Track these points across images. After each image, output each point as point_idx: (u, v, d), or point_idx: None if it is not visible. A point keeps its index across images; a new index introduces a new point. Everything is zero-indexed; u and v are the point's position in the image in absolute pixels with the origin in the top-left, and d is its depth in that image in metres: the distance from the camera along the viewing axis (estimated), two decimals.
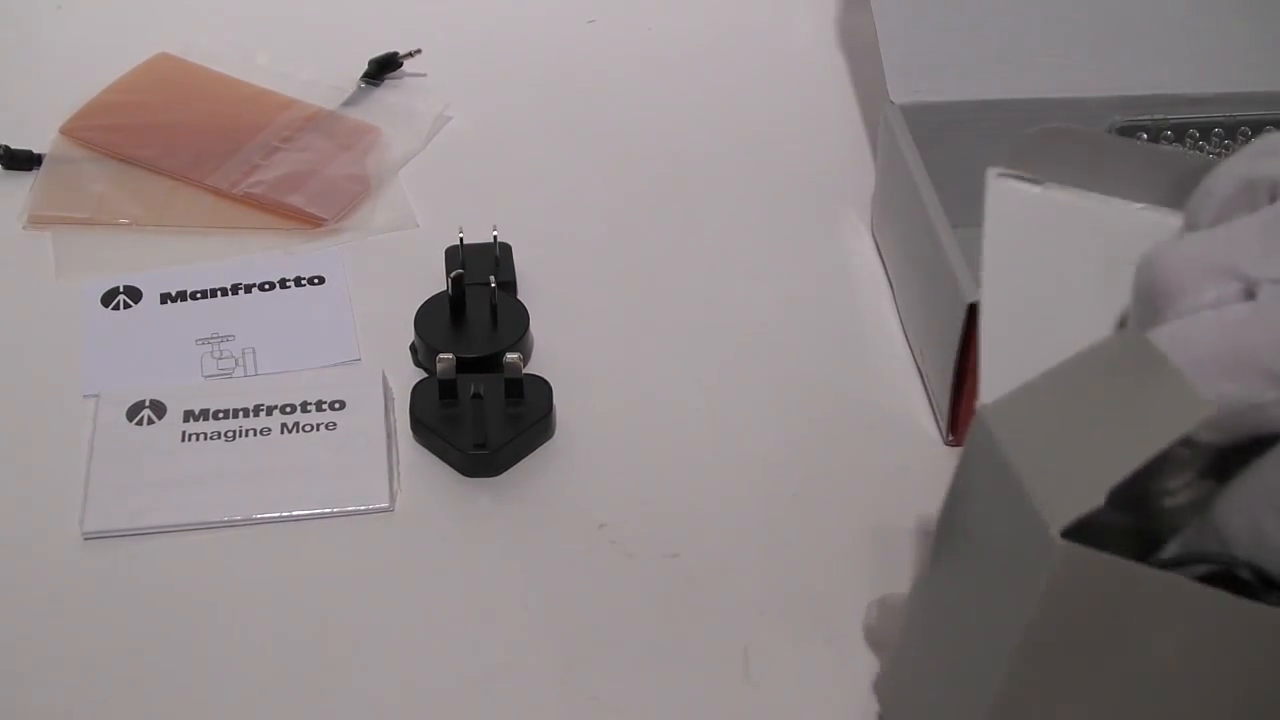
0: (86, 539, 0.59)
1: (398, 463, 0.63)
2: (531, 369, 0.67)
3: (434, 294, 0.68)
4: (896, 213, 0.69)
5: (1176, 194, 0.45)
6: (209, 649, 0.56)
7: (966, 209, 0.67)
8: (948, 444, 0.63)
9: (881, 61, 0.70)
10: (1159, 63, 0.69)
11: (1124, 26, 0.71)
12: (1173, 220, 0.46)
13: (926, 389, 0.66)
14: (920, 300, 0.66)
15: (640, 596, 0.58)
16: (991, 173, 0.48)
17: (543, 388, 0.64)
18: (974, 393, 0.60)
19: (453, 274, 0.66)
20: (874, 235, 0.74)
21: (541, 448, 0.64)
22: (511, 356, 0.63)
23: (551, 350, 0.68)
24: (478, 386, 0.62)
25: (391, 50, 0.85)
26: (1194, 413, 0.36)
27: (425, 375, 0.66)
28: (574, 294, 0.71)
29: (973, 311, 0.59)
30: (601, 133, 0.82)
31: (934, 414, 0.65)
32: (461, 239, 0.70)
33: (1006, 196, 0.48)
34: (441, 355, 0.63)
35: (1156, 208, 0.47)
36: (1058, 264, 0.47)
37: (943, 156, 0.66)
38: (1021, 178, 0.48)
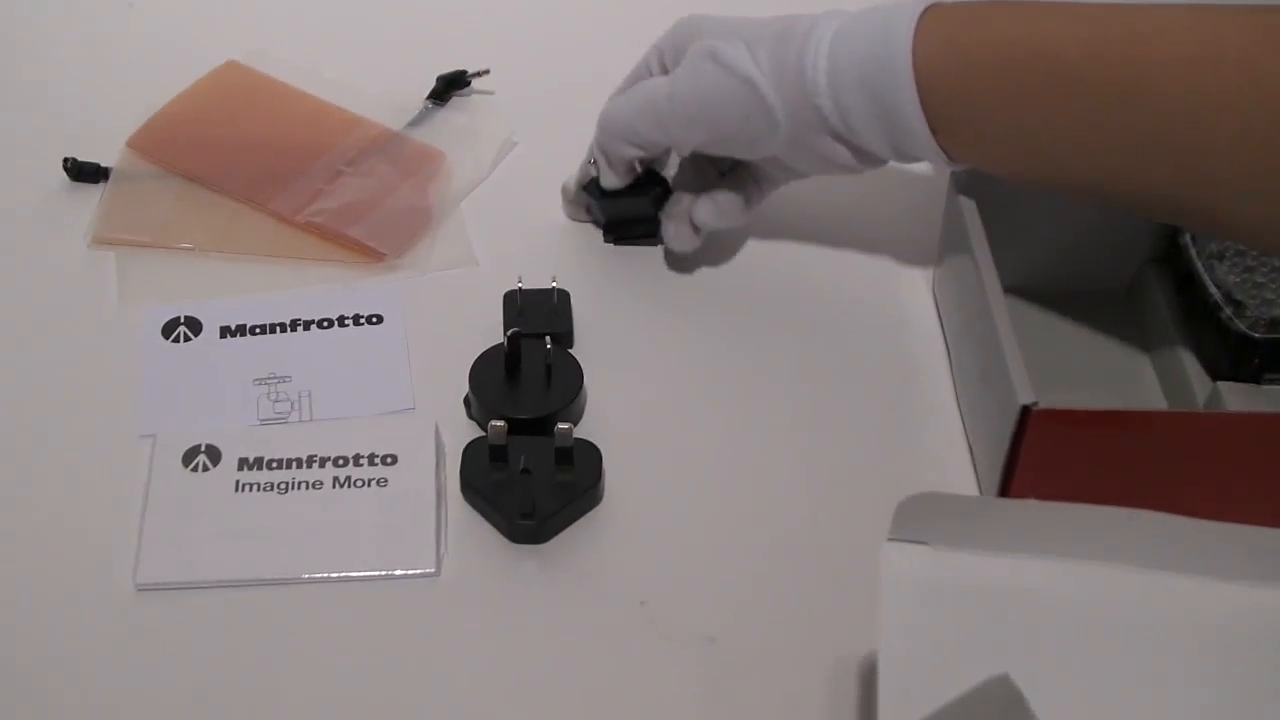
0: (140, 590, 0.60)
1: (446, 523, 0.63)
2: (584, 425, 0.67)
3: (490, 346, 0.68)
4: (956, 282, 0.69)
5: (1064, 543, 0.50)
6: (253, 710, 0.57)
7: (1024, 268, 0.69)
8: None
9: None
10: None
11: None
12: (1059, 566, 0.50)
13: (977, 474, 0.65)
14: (974, 384, 0.66)
15: (676, 682, 0.58)
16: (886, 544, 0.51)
17: (592, 455, 0.64)
18: (1023, 491, 0.61)
19: (509, 332, 0.67)
20: (935, 296, 0.73)
21: (589, 514, 0.64)
22: (563, 427, 0.63)
23: (604, 407, 0.68)
24: (528, 460, 0.62)
25: (460, 68, 0.85)
26: None
27: (477, 434, 0.66)
28: (630, 346, 0.72)
29: (1025, 414, 0.59)
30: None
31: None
32: (520, 287, 0.71)
33: (898, 563, 0.51)
34: (493, 423, 0.63)
35: (1045, 557, 0.50)
36: (951, 627, 0.50)
37: (1008, 214, 0.67)
38: (911, 540, 0.51)
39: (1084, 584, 0.50)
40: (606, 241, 0.77)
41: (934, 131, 0.64)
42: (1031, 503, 0.51)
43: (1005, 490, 0.62)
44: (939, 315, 0.73)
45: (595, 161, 0.74)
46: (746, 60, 0.66)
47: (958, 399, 0.69)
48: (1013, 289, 0.65)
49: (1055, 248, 0.73)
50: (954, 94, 0.63)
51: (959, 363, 0.69)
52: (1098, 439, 0.60)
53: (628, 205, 0.75)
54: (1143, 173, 0.60)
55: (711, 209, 0.72)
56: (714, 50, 0.67)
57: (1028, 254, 0.72)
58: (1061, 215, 0.71)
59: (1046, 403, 0.58)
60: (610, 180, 0.73)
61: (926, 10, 0.64)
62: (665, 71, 0.71)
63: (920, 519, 0.51)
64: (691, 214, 0.73)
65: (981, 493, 0.65)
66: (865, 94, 0.64)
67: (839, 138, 0.67)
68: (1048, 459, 0.60)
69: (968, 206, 0.67)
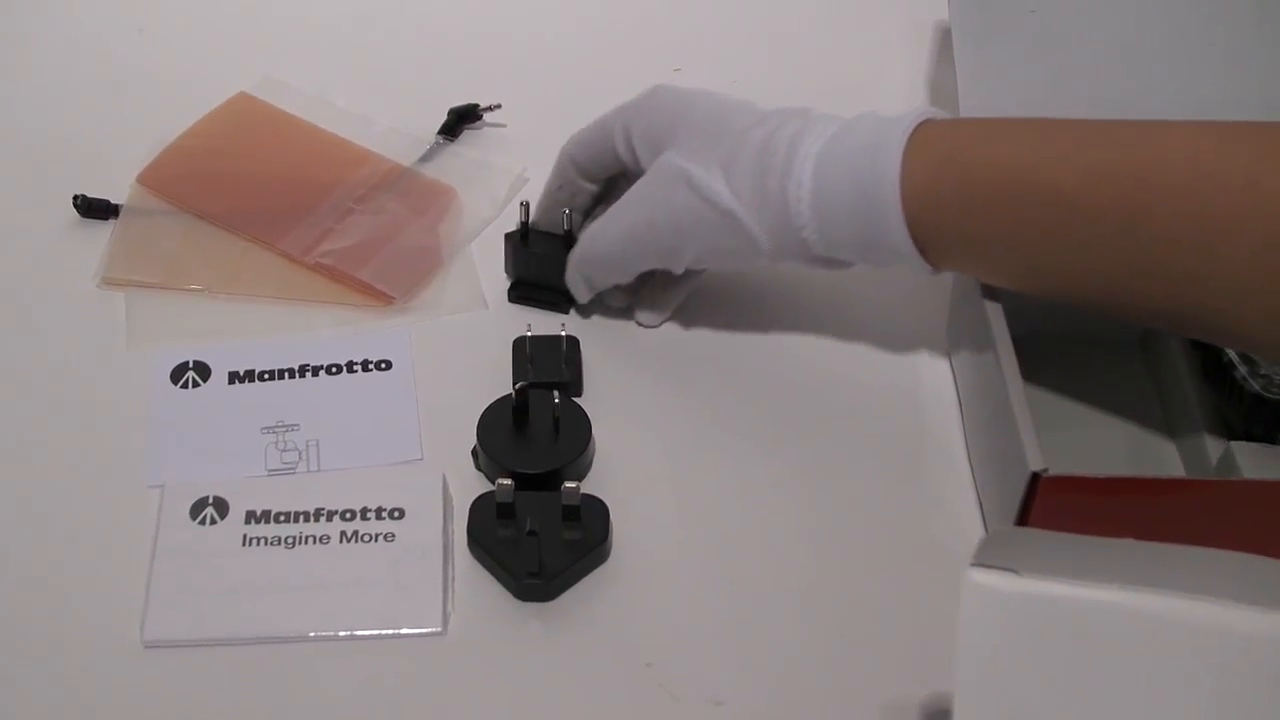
0: (147, 648, 0.60)
1: (453, 579, 0.63)
2: (592, 477, 0.67)
3: (498, 398, 0.68)
4: (968, 333, 0.69)
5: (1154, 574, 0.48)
6: None
7: (1037, 314, 0.68)
8: None
9: None
10: None
11: (1208, 97, 0.69)
12: (1149, 601, 0.47)
13: (987, 533, 0.65)
14: (985, 441, 0.66)
15: None
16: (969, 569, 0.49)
17: (600, 511, 0.64)
18: None
19: (517, 386, 0.66)
20: (948, 346, 0.73)
21: (596, 570, 0.64)
22: (570, 486, 0.63)
23: (613, 458, 0.68)
24: (535, 517, 0.62)
25: (472, 101, 0.85)
26: None
27: (485, 486, 0.66)
28: (639, 395, 0.71)
29: (1035, 480, 0.58)
30: None
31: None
32: (530, 334, 0.70)
33: (983, 588, 0.48)
34: (500, 481, 0.63)
35: (1138, 588, 0.48)
36: (1033, 661, 0.48)
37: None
38: (999, 568, 0.49)
39: (1177, 615, 0.48)
40: (511, 301, 0.75)
41: (922, 251, 0.63)
42: (1127, 541, 0.50)
43: None
44: (951, 367, 0.72)
45: (526, 206, 0.74)
46: (724, 193, 0.65)
47: (968, 452, 0.68)
48: (1026, 336, 0.64)
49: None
50: (946, 224, 0.62)
51: (970, 416, 0.69)
52: (1109, 505, 0.59)
53: (543, 268, 0.73)
54: (1145, 294, 0.59)
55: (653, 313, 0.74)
56: (689, 177, 0.66)
57: (1040, 300, 0.71)
58: None
59: (1057, 461, 0.58)
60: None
61: (914, 131, 0.62)
62: (630, 150, 0.70)
63: (1007, 549, 0.50)
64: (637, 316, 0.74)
65: None
66: (852, 227, 0.63)
67: (820, 259, 0.66)
68: (1058, 525, 0.59)
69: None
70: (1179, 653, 0.48)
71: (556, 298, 0.74)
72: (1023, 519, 0.60)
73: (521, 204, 0.74)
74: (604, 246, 0.70)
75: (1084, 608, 0.48)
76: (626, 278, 0.71)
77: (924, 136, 0.62)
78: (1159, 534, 0.59)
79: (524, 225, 0.74)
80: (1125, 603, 0.48)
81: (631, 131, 0.69)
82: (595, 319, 0.74)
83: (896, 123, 0.63)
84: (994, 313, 0.64)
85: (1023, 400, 0.60)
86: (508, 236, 0.74)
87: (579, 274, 0.72)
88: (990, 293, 0.65)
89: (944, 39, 0.73)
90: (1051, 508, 0.59)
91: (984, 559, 0.49)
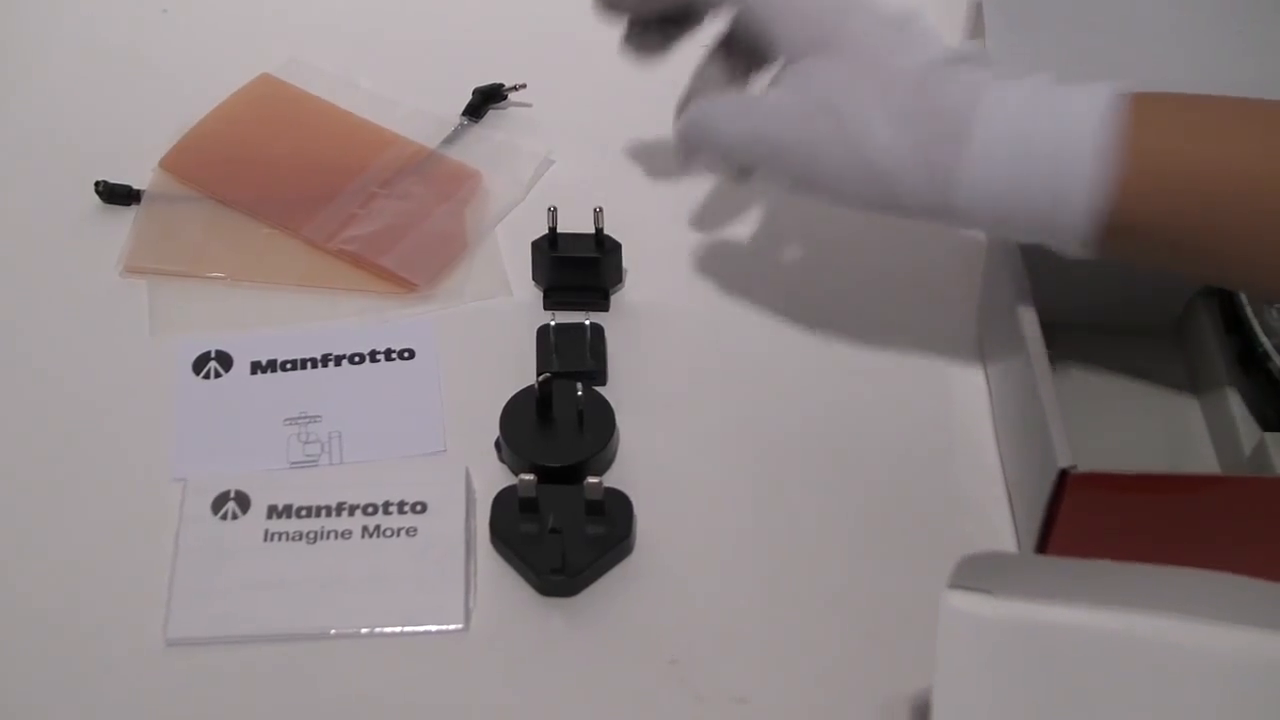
0: (170, 645, 0.60)
1: (475, 573, 0.63)
2: (616, 468, 0.66)
3: (521, 389, 0.67)
4: (998, 325, 0.67)
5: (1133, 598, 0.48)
6: None
7: (1069, 302, 0.67)
8: None
9: None
10: None
11: (1243, 67, 0.67)
12: (1122, 620, 0.48)
13: (1016, 529, 0.64)
14: (1015, 435, 0.65)
15: None
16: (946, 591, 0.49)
17: (624, 505, 0.63)
18: (1061, 546, 0.59)
19: (540, 378, 0.66)
20: (979, 338, 0.72)
21: (620, 565, 0.63)
22: (593, 481, 0.62)
23: (637, 449, 0.67)
24: (559, 512, 0.61)
25: (497, 81, 0.84)
26: None
27: (508, 478, 0.65)
28: (664, 385, 0.70)
29: (1063, 477, 0.57)
30: (706, 202, 0.79)
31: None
32: (554, 322, 0.70)
33: (959, 610, 0.49)
34: (523, 476, 0.62)
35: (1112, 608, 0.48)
36: (1009, 681, 0.49)
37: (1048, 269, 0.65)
38: (975, 590, 0.49)
39: (1154, 634, 0.48)
40: (546, 309, 0.73)
41: (1092, 245, 0.58)
42: (1102, 562, 0.50)
43: (1043, 548, 0.60)
44: (982, 359, 0.71)
45: (554, 212, 0.71)
46: (882, 149, 0.58)
47: (999, 448, 0.67)
48: (1057, 323, 0.63)
49: (1101, 280, 0.70)
50: (1145, 230, 0.56)
51: (1000, 412, 0.68)
52: (1138, 502, 0.58)
53: (575, 272, 0.72)
54: None
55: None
56: (843, 119, 0.59)
57: (1072, 287, 0.69)
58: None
59: (1087, 455, 0.57)
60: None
61: (1116, 120, 0.55)
62: (766, 46, 0.63)
63: (983, 571, 0.50)
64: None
65: (1020, 548, 0.64)
66: (1027, 223, 0.58)
67: (952, 225, 0.61)
68: (1087, 521, 0.59)
69: (1009, 245, 0.65)
70: (1154, 671, 0.48)
71: (594, 297, 0.73)
72: (1051, 516, 0.59)
73: (549, 209, 0.72)
74: (719, 130, 0.63)
75: (1058, 628, 0.48)
76: (726, 166, 0.66)
77: (1128, 130, 0.55)
78: (1189, 530, 0.59)
79: (552, 231, 0.72)
80: (1099, 623, 0.48)
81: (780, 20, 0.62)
82: (619, 306, 0.73)
83: (1090, 107, 0.56)
84: (1024, 310, 0.63)
85: (1053, 396, 0.59)
86: (535, 245, 0.73)
87: (680, 142, 0.65)
88: (1020, 291, 0.64)
89: (975, 12, 0.71)
90: (1080, 504, 0.58)
91: (960, 581, 0.49)
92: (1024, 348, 0.62)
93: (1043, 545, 0.60)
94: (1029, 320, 0.62)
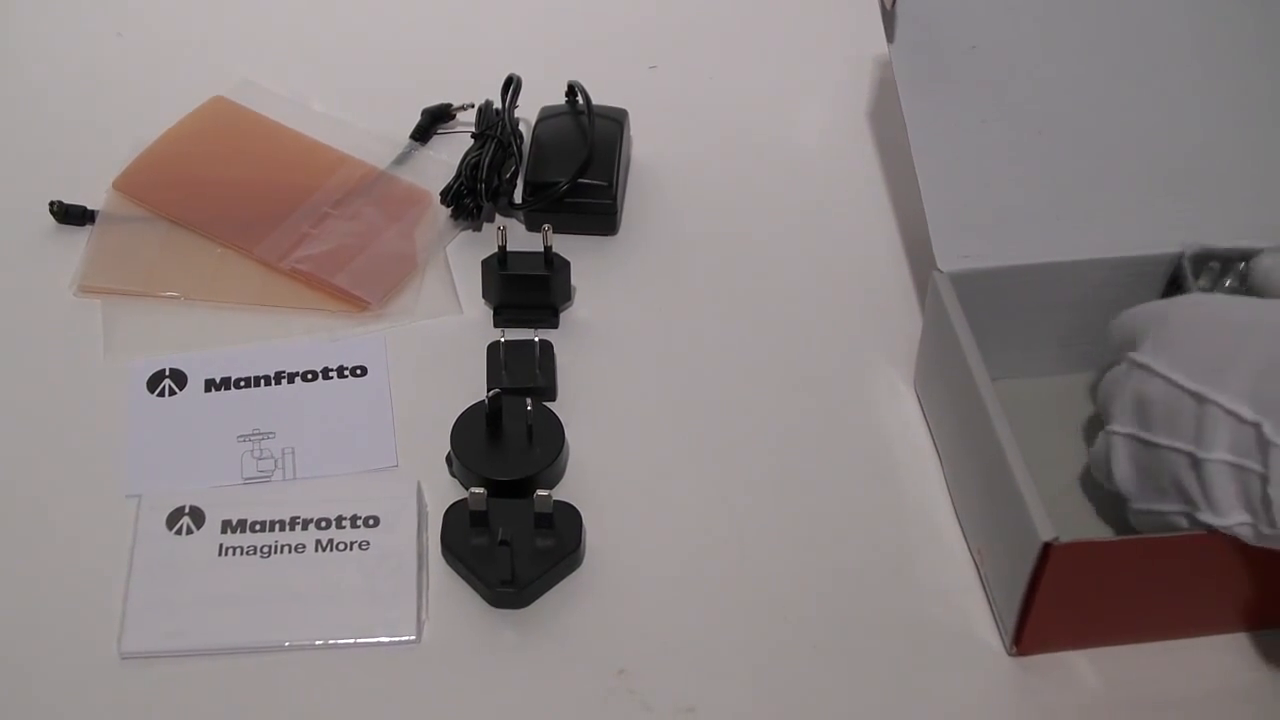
0: (124, 659, 0.61)
1: (427, 586, 0.64)
2: (566, 484, 0.68)
3: (472, 404, 0.69)
4: (945, 384, 0.68)
5: None
6: None
7: (1010, 362, 0.68)
8: (1010, 654, 0.62)
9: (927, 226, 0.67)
10: (1208, 218, 0.68)
11: (1168, 182, 0.68)
12: None
13: (964, 532, 0.65)
14: (977, 499, 0.65)
15: None
16: None
17: (573, 518, 0.65)
18: (1044, 613, 0.59)
19: (490, 393, 0.67)
20: (917, 392, 0.72)
21: (570, 577, 0.64)
22: (542, 494, 0.63)
23: (586, 464, 0.69)
24: (508, 526, 0.62)
25: (445, 101, 0.85)
26: None
27: (459, 492, 0.66)
28: (612, 400, 0.72)
29: (1047, 550, 0.57)
30: (650, 221, 0.81)
31: (971, 555, 0.65)
32: (504, 339, 0.71)
33: None
34: (473, 490, 0.63)
35: None
36: None
37: (989, 316, 0.66)
38: None
39: None
40: (496, 326, 0.74)
41: None
42: None
43: (1026, 612, 0.60)
44: (922, 409, 0.71)
45: (503, 230, 0.72)
46: (1211, 510, 0.57)
47: (944, 475, 0.68)
48: (1000, 377, 0.63)
49: (1042, 337, 0.70)
50: None
51: (952, 464, 0.68)
52: (1120, 564, 0.59)
53: (524, 290, 0.74)
54: None
55: None
56: (1187, 476, 0.57)
57: (1013, 343, 0.70)
58: (1048, 304, 0.69)
59: (1050, 503, 0.57)
60: None
61: None
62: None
63: None
64: None
65: (990, 598, 0.63)
66: None
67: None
68: (1070, 588, 0.59)
69: (952, 308, 0.65)
70: None
71: (543, 315, 0.74)
72: (1034, 585, 0.58)
73: (499, 228, 0.73)
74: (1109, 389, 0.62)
75: None
76: None
77: None
78: (1173, 587, 0.60)
79: (502, 249, 0.73)
80: None
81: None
82: (568, 324, 0.74)
83: None
84: (976, 365, 0.62)
85: (1024, 469, 0.58)
86: (485, 263, 0.74)
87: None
88: (970, 350, 0.63)
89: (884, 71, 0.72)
90: (1063, 573, 0.58)
91: None
92: (982, 410, 0.61)
93: (1026, 609, 0.60)
94: (984, 386, 0.62)
